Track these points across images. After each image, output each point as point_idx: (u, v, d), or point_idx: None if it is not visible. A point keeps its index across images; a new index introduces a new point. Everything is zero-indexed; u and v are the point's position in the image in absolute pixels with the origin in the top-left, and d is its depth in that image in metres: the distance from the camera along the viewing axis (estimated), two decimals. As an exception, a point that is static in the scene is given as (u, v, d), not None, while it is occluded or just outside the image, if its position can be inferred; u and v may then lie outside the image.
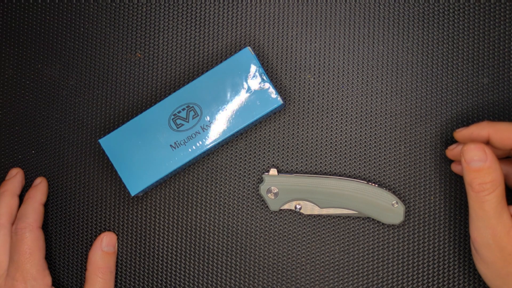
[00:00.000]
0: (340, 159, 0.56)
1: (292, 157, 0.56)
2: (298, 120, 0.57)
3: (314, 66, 0.56)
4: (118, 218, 0.57)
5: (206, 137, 0.54)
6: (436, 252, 0.55)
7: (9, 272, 0.54)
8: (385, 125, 0.56)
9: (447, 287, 0.55)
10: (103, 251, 0.56)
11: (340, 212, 0.55)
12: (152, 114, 0.54)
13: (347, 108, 0.56)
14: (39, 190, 0.57)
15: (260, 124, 0.57)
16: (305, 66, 0.57)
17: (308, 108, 0.56)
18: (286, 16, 0.57)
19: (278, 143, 0.57)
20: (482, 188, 0.47)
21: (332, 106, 0.56)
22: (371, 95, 0.56)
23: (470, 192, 0.48)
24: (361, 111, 0.56)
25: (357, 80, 0.56)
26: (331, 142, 0.56)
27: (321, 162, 0.56)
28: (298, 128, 0.57)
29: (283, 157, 0.56)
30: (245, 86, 0.54)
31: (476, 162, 0.47)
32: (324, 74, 0.56)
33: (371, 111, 0.56)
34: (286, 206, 0.55)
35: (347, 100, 0.56)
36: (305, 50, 0.57)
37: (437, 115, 0.56)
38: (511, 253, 0.47)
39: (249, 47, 0.54)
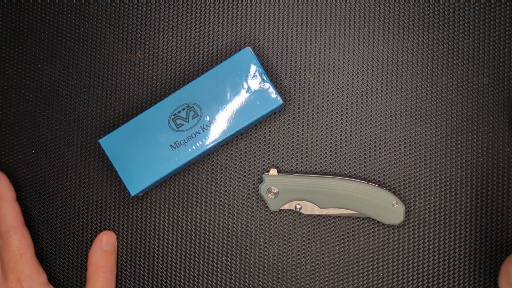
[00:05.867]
0: (340, 159, 0.56)
1: (292, 157, 0.56)
2: (298, 120, 0.57)
3: (314, 66, 0.56)
4: (118, 218, 0.57)
5: (206, 137, 0.54)
6: (436, 252, 0.55)
7: (2, 276, 0.54)
8: (385, 125, 0.56)
9: (447, 287, 0.55)
10: (103, 250, 0.55)
11: (340, 212, 0.55)
12: (152, 114, 0.54)
13: (347, 108, 0.56)
14: (3, 186, 0.54)
15: (260, 124, 0.57)
16: (305, 66, 0.57)
17: (308, 108, 0.56)
18: (286, 16, 0.57)
19: (278, 143, 0.57)
20: None
21: (332, 106, 0.56)
22: (371, 95, 0.56)
23: None
24: (361, 111, 0.56)
25: (357, 80, 0.56)
26: (331, 142, 0.56)
27: (321, 162, 0.56)
28: (298, 128, 0.57)
29: (283, 157, 0.56)
30: (245, 86, 0.54)
31: None
32: (324, 74, 0.56)
33: (371, 111, 0.56)
34: (286, 206, 0.55)
35: (347, 100, 0.56)
36: (305, 50, 0.57)
37: (437, 115, 0.56)
38: None
39: (249, 47, 0.54)
